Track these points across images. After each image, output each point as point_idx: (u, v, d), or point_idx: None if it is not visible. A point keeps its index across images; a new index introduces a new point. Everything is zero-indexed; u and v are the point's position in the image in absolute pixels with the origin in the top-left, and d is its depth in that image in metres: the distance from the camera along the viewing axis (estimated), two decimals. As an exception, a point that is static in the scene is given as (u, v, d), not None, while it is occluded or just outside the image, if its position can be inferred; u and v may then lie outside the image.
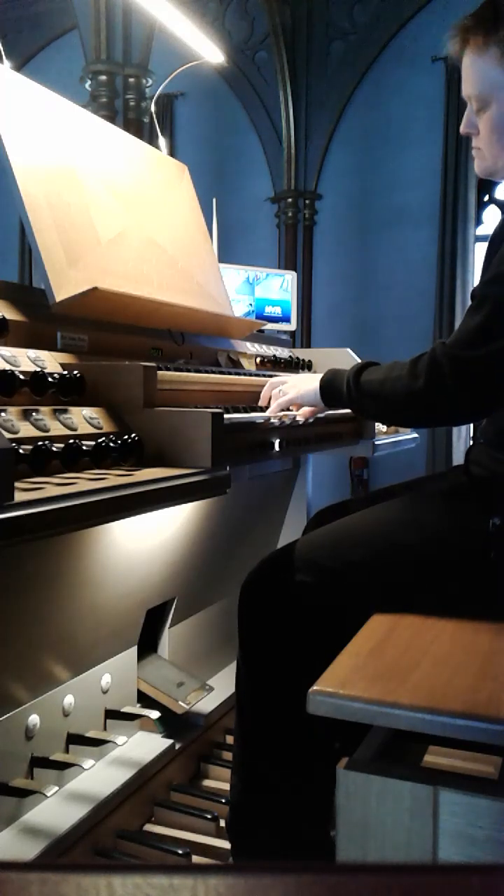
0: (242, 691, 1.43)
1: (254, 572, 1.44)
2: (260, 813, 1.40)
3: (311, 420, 1.67)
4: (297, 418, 1.62)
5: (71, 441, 1.05)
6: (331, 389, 1.51)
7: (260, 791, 1.41)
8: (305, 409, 1.63)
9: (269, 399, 1.66)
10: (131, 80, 6.21)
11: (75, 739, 1.53)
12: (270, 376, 1.97)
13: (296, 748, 1.36)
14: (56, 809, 1.43)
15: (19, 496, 0.87)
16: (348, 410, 1.72)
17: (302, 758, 1.37)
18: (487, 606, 1.27)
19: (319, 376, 1.55)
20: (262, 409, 1.64)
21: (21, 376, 1.11)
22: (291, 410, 1.64)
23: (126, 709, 1.68)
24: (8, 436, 0.99)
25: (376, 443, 2.10)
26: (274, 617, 1.39)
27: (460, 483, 1.43)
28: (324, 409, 1.60)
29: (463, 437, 6.00)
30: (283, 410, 1.62)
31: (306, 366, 2.38)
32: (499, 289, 1.25)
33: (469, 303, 1.32)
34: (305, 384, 1.58)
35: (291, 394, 1.60)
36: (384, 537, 1.35)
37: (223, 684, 2.04)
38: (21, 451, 0.98)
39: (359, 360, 2.39)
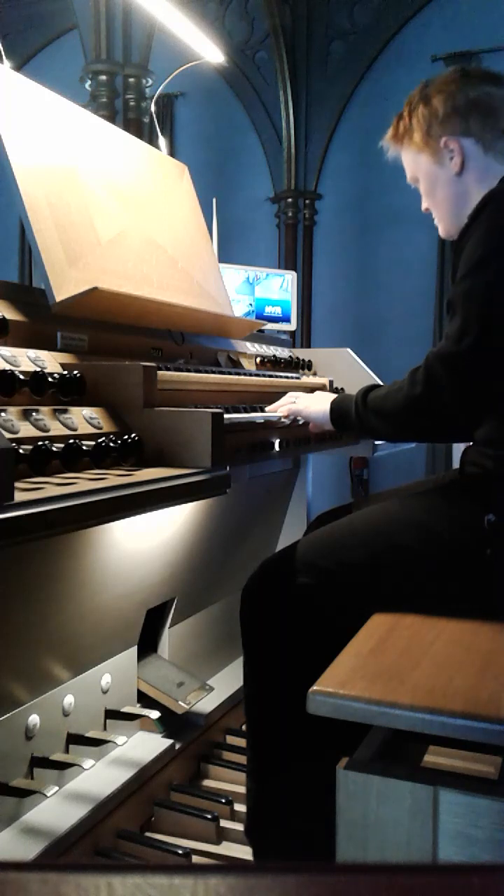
0: (249, 696, 1.44)
1: (253, 577, 1.45)
2: (274, 815, 1.42)
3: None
4: (298, 420, 1.64)
5: (71, 441, 1.05)
6: (340, 411, 1.54)
7: (272, 793, 1.43)
8: (310, 426, 1.65)
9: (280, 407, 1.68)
10: (131, 80, 6.21)
11: (75, 739, 1.53)
12: (271, 376, 1.97)
13: (305, 750, 1.37)
14: (56, 809, 1.43)
15: (19, 496, 0.87)
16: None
17: (312, 759, 1.37)
18: (485, 603, 1.27)
19: (331, 398, 1.58)
20: (262, 410, 1.65)
21: (21, 376, 1.11)
22: (299, 421, 1.67)
23: (126, 709, 1.68)
24: (8, 436, 0.99)
25: (376, 443, 2.10)
26: (275, 620, 1.40)
27: (455, 482, 1.44)
28: (329, 429, 1.61)
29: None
30: (290, 417, 1.66)
31: (306, 366, 2.38)
32: (464, 287, 1.30)
33: None
34: (317, 404, 1.61)
35: (301, 405, 1.63)
36: (381, 537, 1.36)
37: (223, 684, 2.04)
38: (21, 451, 0.98)
39: (359, 361, 2.40)
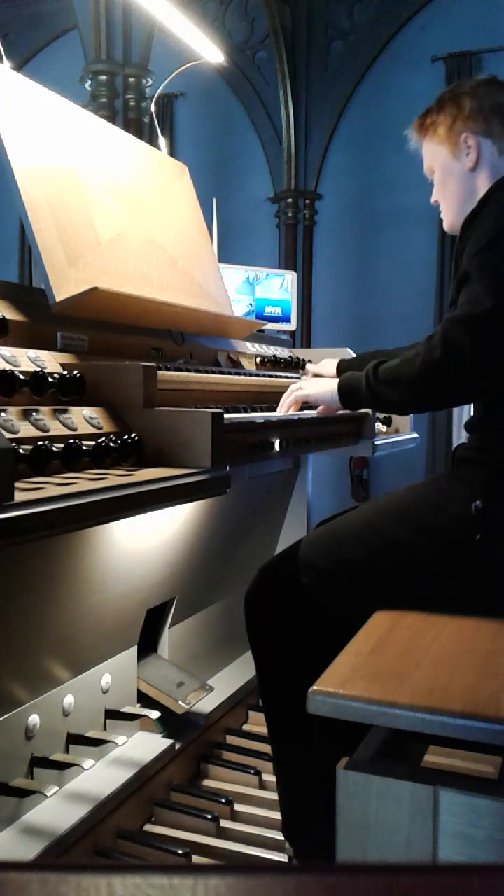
0: (264, 701, 1.47)
1: (254, 582, 1.47)
2: (303, 814, 1.44)
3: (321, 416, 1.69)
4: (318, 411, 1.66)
5: (71, 441, 1.05)
6: (349, 388, 1.53)
7: (297, 793, 1.45)
8: (320, 408, 1.65)
9: (287, 404, 1.68)
10: (131, 80, 6.20)
11: (75, 739, 1.53)
12: (271, 376, 1.97)
13: (323, 750, 1.38)
14: (56, 809, 1.43)
15: (19, 496, 0.87)
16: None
17: (330, 759, 1.39)
18: (481, 591, 1.28)
19: (335, 380, 1.58)
20: (263, 410, 1.65)
21: (21, 376, 1.11)
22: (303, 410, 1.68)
23: (126, 709, 1.68)
24: (8, 436, 0.99)
25: (376, 443, 2.10)
26: (279, 623, 1.41)
27: (444, 474, 1.45)
28: (339, 409, 1.61)
29: (463, 438, 5.99)
30: (295, 405, 1.66)
31: (306, 366, 2.38)
32: (480, 260, 1.32)
33: None
34: (322, 385, 1.62)
35: (307, 390, 1.64)
36: (375, 533, 1.38)
37: (223, 684, 2.05)
38: (21, 451, 0.98)
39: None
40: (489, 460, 1.34)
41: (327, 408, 1.62)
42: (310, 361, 2.40)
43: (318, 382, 1.65)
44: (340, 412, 1.66)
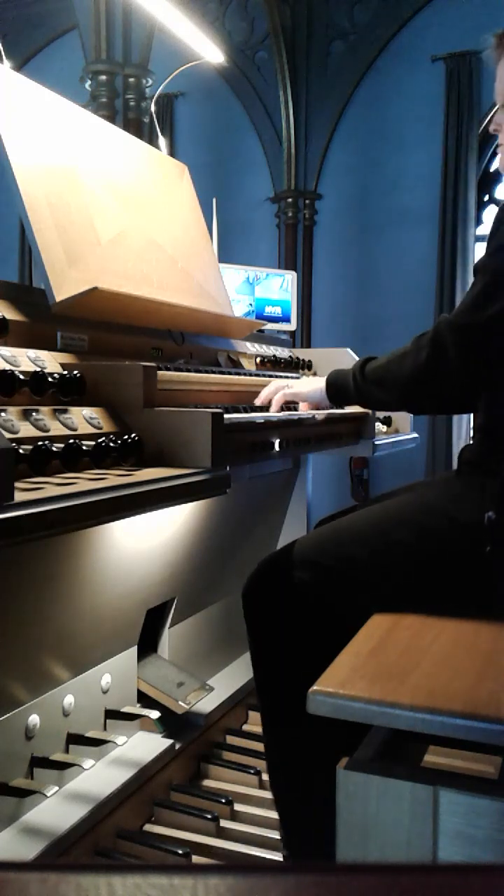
0: (260, 696, 1.46)
1: (252, 576, 1.46)
2: (301, 814, 1.43)
3: (316, 418, 1.69)
4: (301, 410, 1.65)
5: (71, 441, 1.05)
6: (337, 386, 1.53)
7: (293, 792, 1.43)
8: (303, 405, 1.65)
9: (269, 399, 1.67)
10: (131, 80, 6.19)
11: (75, 739, 1.53)
12: (271, 376, 1.97)
13: (315, 750, 1.37)
14: (56, 809, 1.43)
15: (19, 496, 0.87)
16: (350, 410, 1.72)
17: (323, 759, 1.38)
18: (484, 601, 1.27)
19: (323, 378, 1.57)
20: (263, 409, 1.64)
21: (21, 376, 1.11)
22: (295, 409, 1.67)
23: (126, 709, 1.68)
24: (8, 436, 0.99)
25: (376, 443, 2.10)
26: (276, 618, 1.40)
27: (454, 480, 1.44)
28: (328, 408, 1.62)
29: (463, 437, 5.99)
30: (286, 406, 1.65)
31: (306, 366, 2.38)
32: (496, 260, 1.28)
33: None
34: (310, 384, 1.61)
35: (296, 388, 1.64)
36: (379, 534, 1.36)
37: (223, 684, 2.05)
38: (21, 451, 0.98)
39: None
40: (500, 469, 1.32)
41: (313, 405, 1.63)
42: (310, 361, 2.41)
43: (306, 381, 1.66)
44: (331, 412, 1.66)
